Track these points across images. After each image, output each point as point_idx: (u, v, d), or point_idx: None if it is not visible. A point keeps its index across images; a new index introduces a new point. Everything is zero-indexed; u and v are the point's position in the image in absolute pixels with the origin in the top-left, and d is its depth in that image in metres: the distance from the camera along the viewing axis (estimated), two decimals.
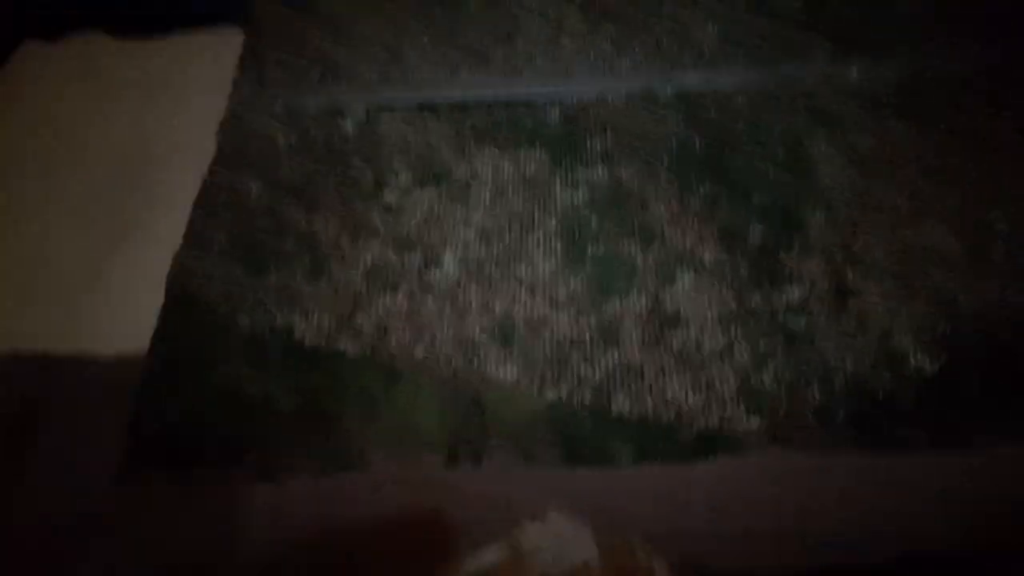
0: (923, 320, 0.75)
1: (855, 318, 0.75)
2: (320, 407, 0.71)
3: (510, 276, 0.79)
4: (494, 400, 0.71)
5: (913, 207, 0.84)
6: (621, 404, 0.70)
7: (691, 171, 0.88)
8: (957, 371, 0.72)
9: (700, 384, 0.71)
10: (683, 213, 0.84)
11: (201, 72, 1.08)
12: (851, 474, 0.68)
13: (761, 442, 0.69)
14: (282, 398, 0.72)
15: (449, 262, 0.81)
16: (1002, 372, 0.72)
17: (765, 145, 0.91)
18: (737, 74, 1.00)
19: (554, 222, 0.84)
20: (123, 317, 0.79)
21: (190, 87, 1.06)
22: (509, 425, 0.69)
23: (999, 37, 1.03)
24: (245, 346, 0.75)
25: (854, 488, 0.68)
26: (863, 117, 0.94)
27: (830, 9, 1.08)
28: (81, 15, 1.18)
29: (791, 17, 1.07)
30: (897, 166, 0.88)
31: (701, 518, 0.67)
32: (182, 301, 0.79)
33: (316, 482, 0.68)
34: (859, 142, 0.91)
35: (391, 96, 1.01)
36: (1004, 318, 0.75)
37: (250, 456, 0.69)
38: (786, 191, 0.86)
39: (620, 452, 0.69)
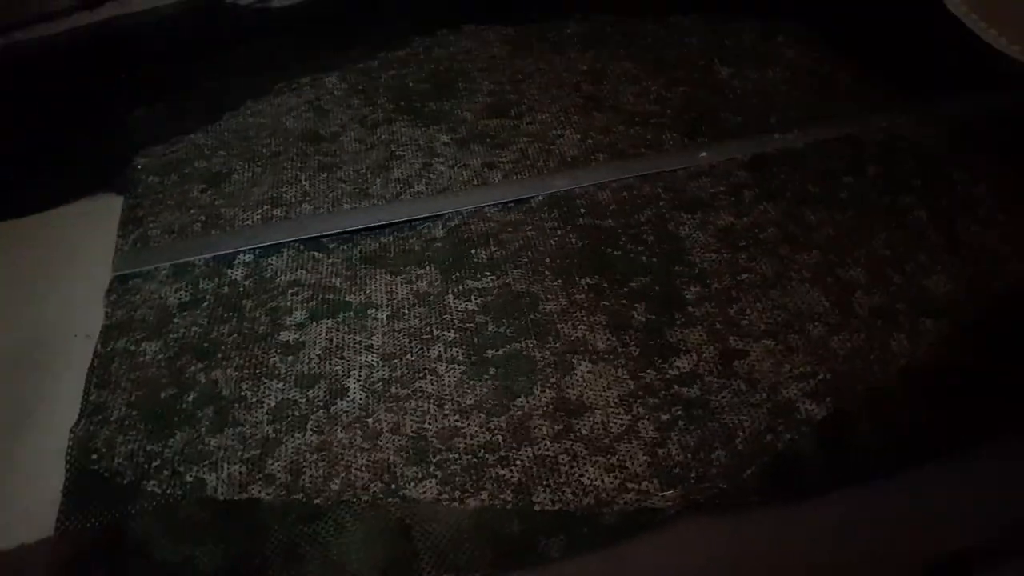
0: (804, 369, 0.81)
1: (744, 378, 0.80)
2: (242, 561, 0.70)
3: (417, 393, 0.81)
4: (418, 519, 0.71)
5: (777, 271, 0.92)
6: (542, 498, 0.72)
7: (572, 267, 0.94)
8: (844, 415, 0.77)
9: (612, 465, 0.74)
10: (571, 307, 0.89)
11: (82, 242, 1.08)
12: (767, 527, 0.72)
13: (679, 512, 0.71)
14: (202, 558, 0.70)
15: (354, 390, 0.82)
16: (885, 411, 0.78)
17: (635, 234, 0.98)
18: (599, 172, 1.08)
19: (452, 333, 0.87)
20: (23, 506, 0.76)
21: (73, 259, 1.06)
22: (437, 542, 0.69)
23: (833, 114, 1.17)
24: (157, 512, 0.73)
25: (773, 539, 0.71)
26: (719, 196, 1.03)
27: (673, 105, 1.20)
28: None
29: (641, 115, 1.18)
30: (757, 236, 0.97)
31: None
32: (85, 477, 0.76)
33: None
34: (719, 219, 1.00)
35: (276, 238, 1.03)
36: (875, 361, 0.81)
37: None
38: (661, 273, 0.92)
39: (550, 546, 0.69)
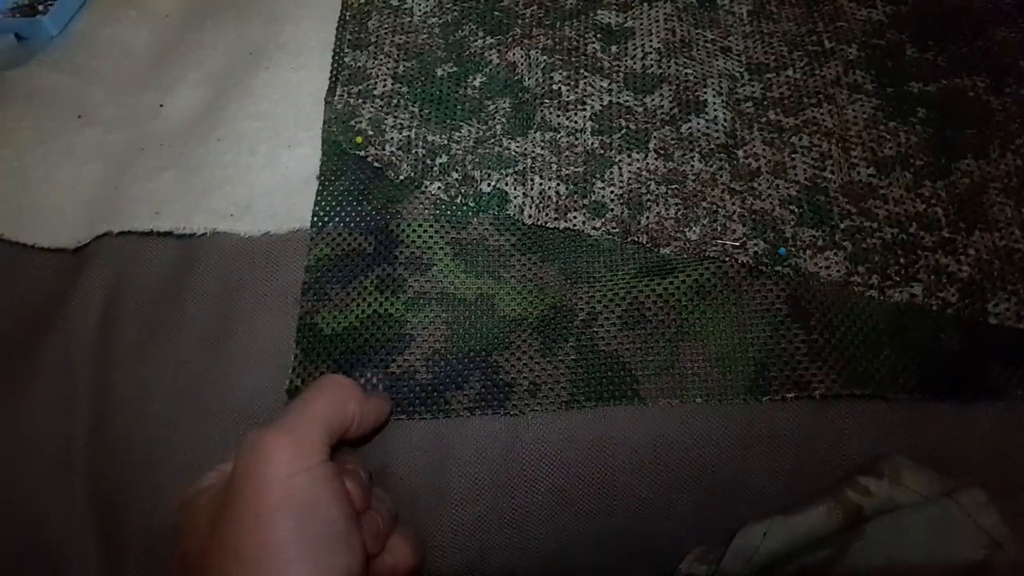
0: None
1: None
2: (556, 313, 0.51)
3: (808, 125, 0.56)
4: (817, 303, 0.49)
5: None
6: (1003, 309, 0.48)
7: None
8: None
9: None
10: None
11: None
12: None
13: None
14: (502, 298, 0.51)
15: (714, 106, 0.57)
16: None
17: None
18: None
19: (855, 50, 0.60)
20: (267, 186, 0.58)
21: None
22: (843, 340, 0.48)
23: None
24: (440, 222, 0.54)
25: None
26: None
27: None
28: None
29: None
30: None
31: None
32: (349, 163, 0.57)
33: (560, 417, 0.48)
34: None
35: None
36: None
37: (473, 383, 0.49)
38: None
39: (1000, 377, 0.47)
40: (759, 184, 0.53)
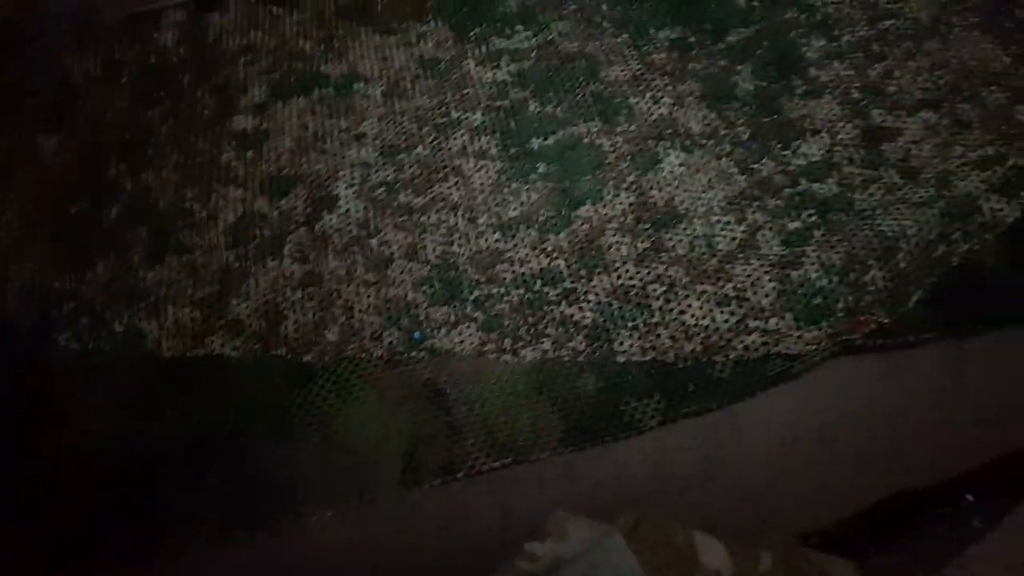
0: (984, 152, 0.57)
1: (898, 166, 0.57)
2: (205, 438, 0.49)
3: (436, 202, 0.57)
4: (455, 381, 0.50)
5: (933, 16, 0.65)
6: (628, 345, 0.50)
7: (642, 16, 0.66)
8: None
9: (726, 297, 0.52)
10: (647, 73, 0.63)
11: None
12: (935, 368, 0.52)
13: (823, 357, 0.51)
14: (151, 443, 0.49)
15: (347, 199, 0.58)
16: None
17: None
18: None
19: (479, 116, 0.61)
20: None
21: None
22: (484, 411, 0.49)
23: None
24: (75, 376, 0.51)
25: (938, 386, 0.52)
26: None
27: None
28: None
29: None
30: None
31: (759, 479, 0.50)
32: None
33: (219, 553, 0.46)
34: None
35: None
36: None
37: (114, 543, 0.46)
38: (769, 20, 0.65)
39: (641, 411, 0.49)
40: (392, 271, 0.53)
